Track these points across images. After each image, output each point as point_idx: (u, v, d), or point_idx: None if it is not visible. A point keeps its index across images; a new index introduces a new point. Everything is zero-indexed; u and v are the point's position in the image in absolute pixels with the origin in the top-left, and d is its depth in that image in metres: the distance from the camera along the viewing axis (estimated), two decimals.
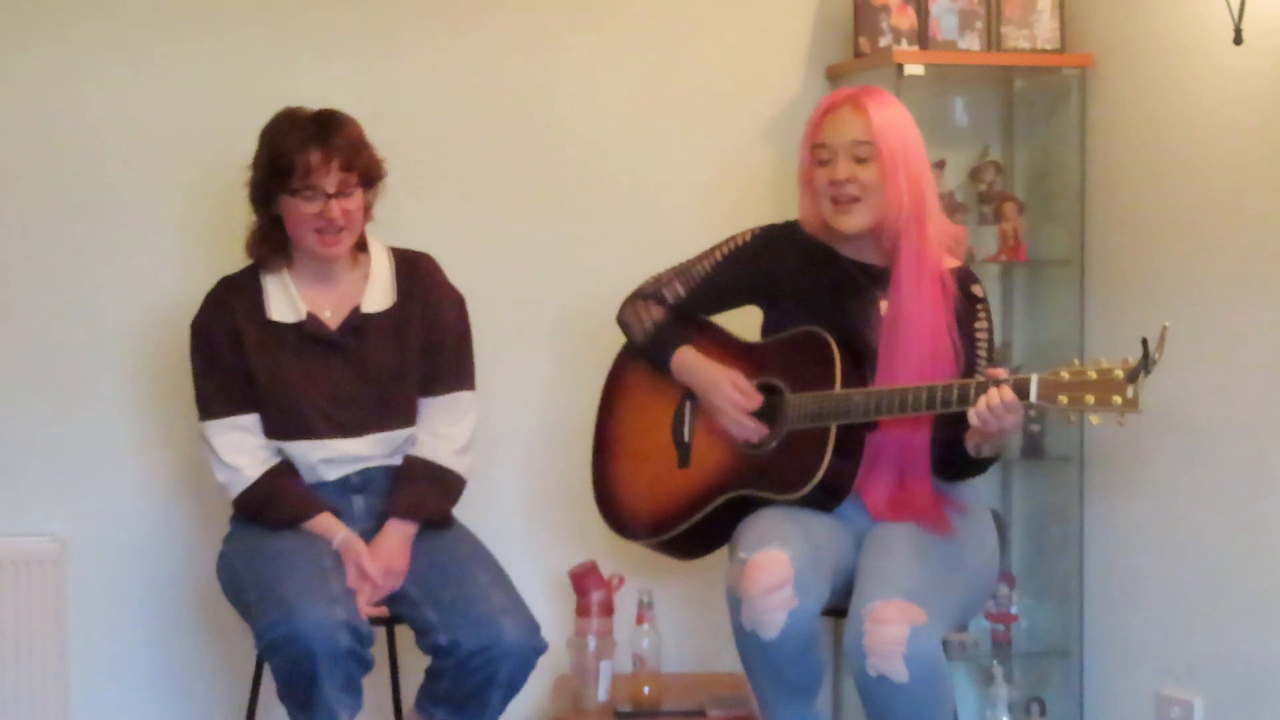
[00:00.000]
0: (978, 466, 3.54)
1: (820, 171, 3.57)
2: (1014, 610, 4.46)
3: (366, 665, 3.47)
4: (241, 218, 3.77)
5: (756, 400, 3.62)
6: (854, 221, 3.54)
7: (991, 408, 3.28)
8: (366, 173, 3.65)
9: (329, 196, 3.60)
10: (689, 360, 3.71)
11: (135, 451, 4.17)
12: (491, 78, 4.33)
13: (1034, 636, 4.51)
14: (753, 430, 3.62)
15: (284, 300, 3.69)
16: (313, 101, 3.70)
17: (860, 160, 3.52)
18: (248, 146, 3.68)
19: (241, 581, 3.63)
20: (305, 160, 3.58)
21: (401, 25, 4.27)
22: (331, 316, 3.71)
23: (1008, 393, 3.28)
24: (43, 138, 4.11)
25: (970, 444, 3.44)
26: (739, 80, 4.45)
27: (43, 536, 4.08)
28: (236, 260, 3.79)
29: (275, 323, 3.68)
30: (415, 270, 3.78)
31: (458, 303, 3.82)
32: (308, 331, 3.68)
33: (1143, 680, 4.20)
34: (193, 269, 4.10)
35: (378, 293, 3.73)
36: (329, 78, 4.10)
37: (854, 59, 4.38)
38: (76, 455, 4.13)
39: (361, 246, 3.76)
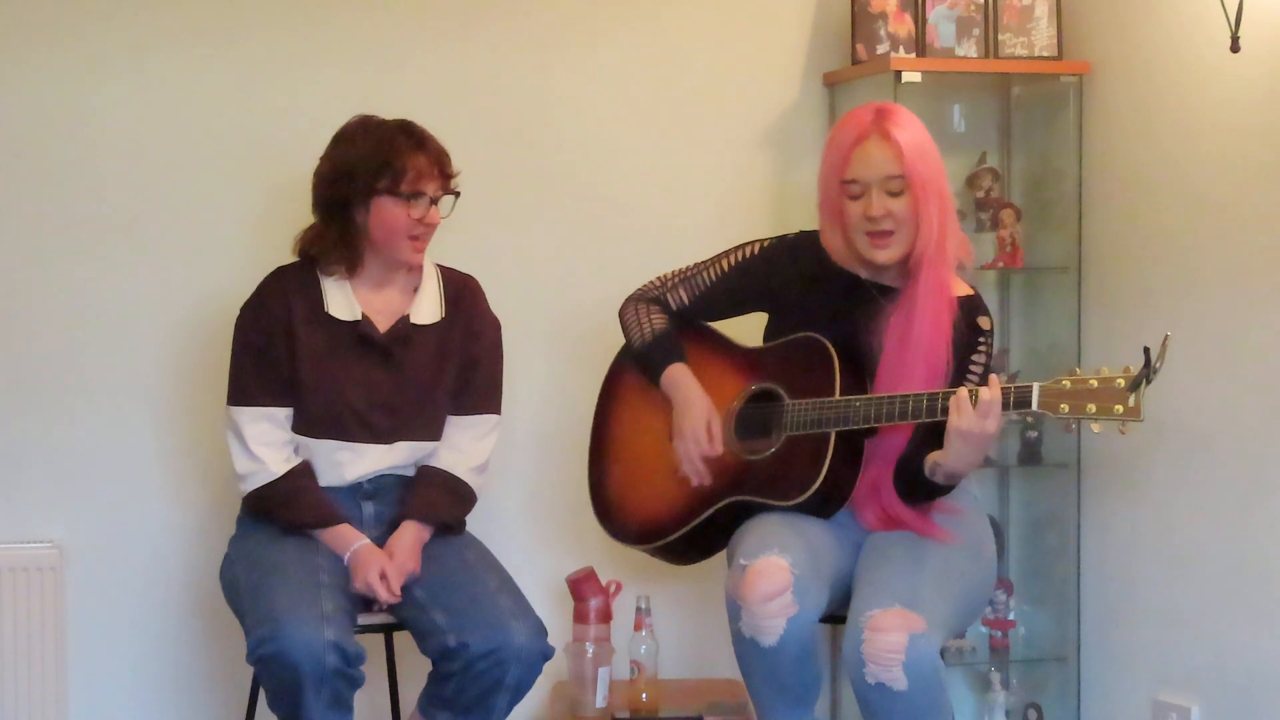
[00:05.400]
0: (927, 489, 3.49)
1: (852, 206, 3.51)
2: (1012, 617, 4.47)
3: (355, 684, 3.47)
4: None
5: (717, 450, 3.62)
6: (891, 254, 3.51)
7: (975, 407, 3.28)
8: (453, 181, 3.72)
9: (432, 202, 3.66)
10: (677, 378, 3.70)
11: (135, 458, 4.16)
12: (491, 87, 4.33)
13: (1032, 643, 4.51)
14: (701, 474, 3.63)
15: (340, 298, 3.70)
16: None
17: (893, 193, 3.49)
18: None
19: (240, 588, 3.63)
20: (416, 164, 3.63)
21: (404, 37, 4.27)
22: (382, 321, 3.73)
23: (985, 392, 3.28)
24: (40, 144, 4.10)
25: (928, 464, 3.43)
26: (737, 88, 4.45)
27: (42, 543, 4.07)
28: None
29: (332, 318, 3.69)
30: (464, 290, 3.82)
31: (496, 328, 3.86)
32: (361, 332, 3.69)
33: (1140, 687, 4.21)
34: (196, 276, 4.11)
35: (427, 306, 3.76)
36: (332, 88, 4.11)
37: (852, 66, 4.38)
38: (76, 461, 4.13)
39: None
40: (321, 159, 3.70)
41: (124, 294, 4.15)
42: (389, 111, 3.75)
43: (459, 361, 3.78)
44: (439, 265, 3.83)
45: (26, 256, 4.10)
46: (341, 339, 3.69)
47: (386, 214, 3.64)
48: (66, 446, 4.13)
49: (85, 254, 4.13)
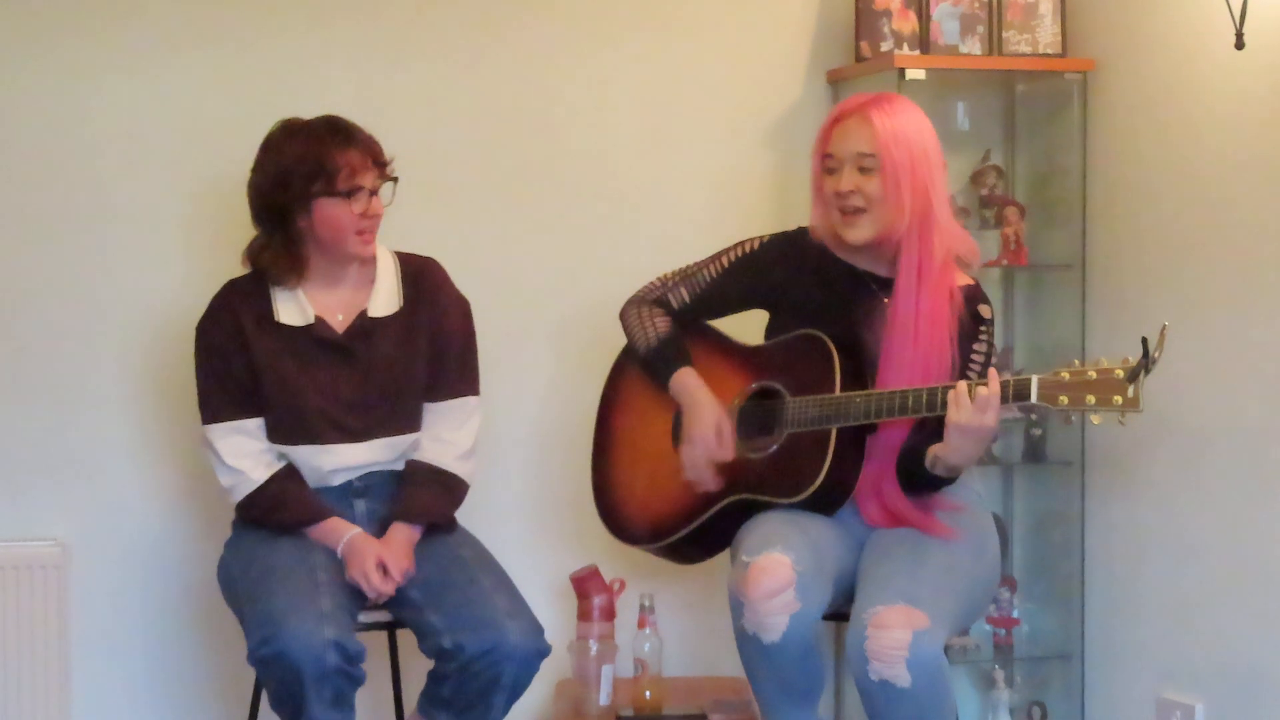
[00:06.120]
0: (929, 483, 3.51)
1: (828, 181, 3.56)
2: (1015, 614, 4.46)
3: (356, 682, 3.46)
4: (247, 224, 3.76)
5: (727, 454, 3.61)
6: (859, 233, 3.53)
7: (973, 401, 3.29)
8: (388, 168, 3.70)
9: (372, 194, 3.64)
10: (687, 383, 3.69)
11: (138, 456, 4.17)
12: (495, 86, 4.33)
13: (1035, 640, 4.51)
14: (708, 480, 3.62)
15: (292, 304, 3.69)
16: (318, 111, 3.71)
17: (865, 171, 3.51)
18: (253, 153, 3.67)
19: (237, 590, 3.64)
20: (349, 160, 3.61)
21: (407, 36, 4.28)
22: (340, 320, 3.71)
23: (982, 390, 3.29)
24: (45, 143, 4.11)
25: (929, 457, 3.44)
26: (741, 86, 4.45)
27: (45, 541, 4.08)
28: (241, 266, 3.79)
29: (283, 325, 3.68)
30: (422, 275, 3.78)
31: (464, 308, 3.82)
32: (316, 335, 3.67)
33: (1144, 684, 4.20)
34: (196, 274, 4.10)
35: (384, 297, 3.73)
36: (334, 87, 4.11)
37: (855, 64, 4.38)
38: (79, 460, 4.14)
39: None
40: (253, 170, 3.68)
41: (127, 292, 4.16)
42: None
43: (428, 348, 3.74)
44: (396, 253, 3.80)
45: (31, 255, 4.12)
46: (297, 345, 3.67)
47: (329, 214, 3.62)
48: (70, 445, 4.14)
49: (90, 253, 4.14)
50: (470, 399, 3.80)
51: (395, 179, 3.71)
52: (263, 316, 3.68)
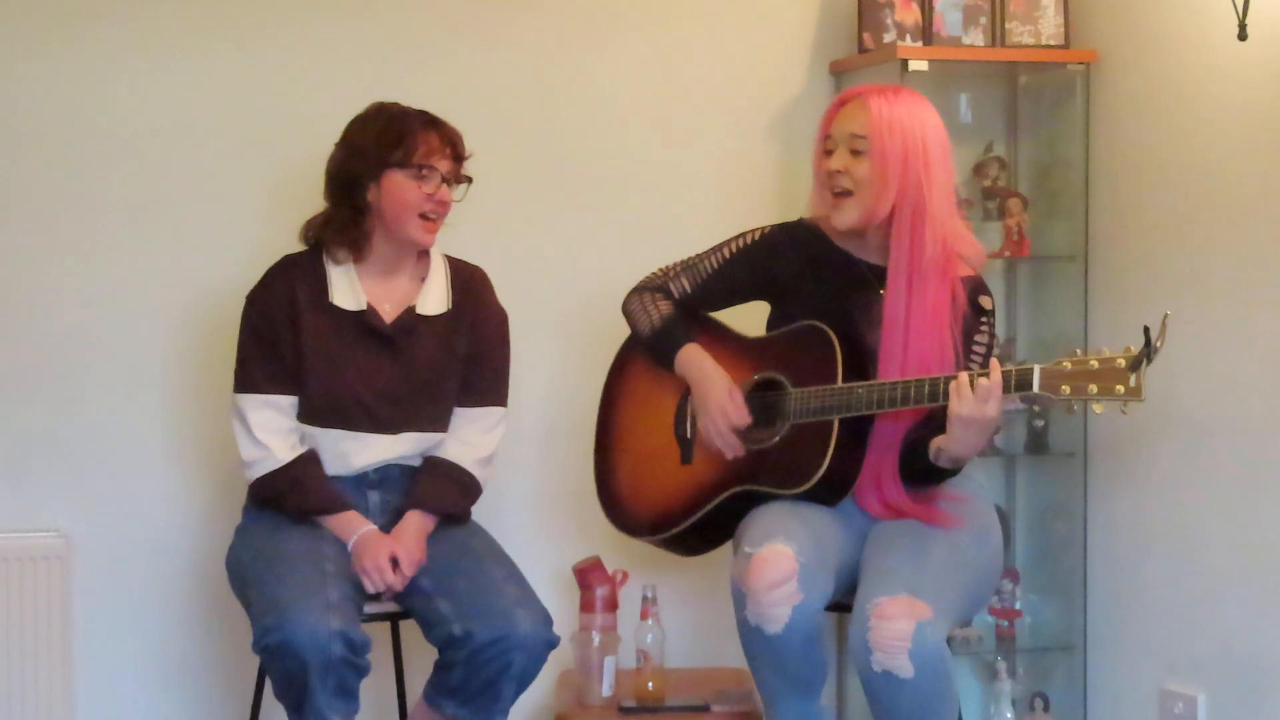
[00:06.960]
0: (932, 474, 3.51)
1: (825, 161, 3.59)
2: (1018, 605, 4.46)
3: (361, 672, 3.47)
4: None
5: (744, 418, 3.62)
6: (844, 216, 3.55)
7: (975, 392, 3.29)
8: (464, 167, 3.73)
9: (443, 180, 3.66)
10: (694, 357, 3.71)
11: (142, 447, 4.17)
12: (497, 79, 4.33)
13: (1038, 632, 4.51)
14: (732, 445, 3.62)
15: (346, 287, 3.71)
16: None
17: (856, 154, 3.52)
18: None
19: (246, 577, 3.64)
20: (428, 140, 3.65)
21: (410, 31, 4.28)
22: (388, 311, 3.72)
23: (984, 380, 3.29)
24: (55, 133, 4.11)
25: (932, 449, 3.44)
26: (744, 77, 4.45)
27: (49, 532, 4.08)
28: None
29: (335, 307, 3.69)
30: (471, 282, 3.82)
31: (503, 320, 3.86)
32: (365, 322, 3.69)
33: (1146, 675, 4.21)
34: (203, 266, 4.11)
35: (434, 296, 3.76)
36: (346, 82, 4.11)
37: (858, 55, 4.38)
38: (83, 450, 4.14)
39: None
40: (336, 144, 3.72)
41: (132, 284, 4.16)
42: None
43: (465, 353, 3.77)
44: (447, 256, 3.83)
45: (35, 246, 4.11)
46: (346, 329, 3.69)
47: (398, 189, 3.64)
48: (73, 435, 4.14)
49: (94, 244, 4.14)
50: (498, 409, 3.83)
51: (470, 179, 3.73)
52: (317, 295, 3.69)
